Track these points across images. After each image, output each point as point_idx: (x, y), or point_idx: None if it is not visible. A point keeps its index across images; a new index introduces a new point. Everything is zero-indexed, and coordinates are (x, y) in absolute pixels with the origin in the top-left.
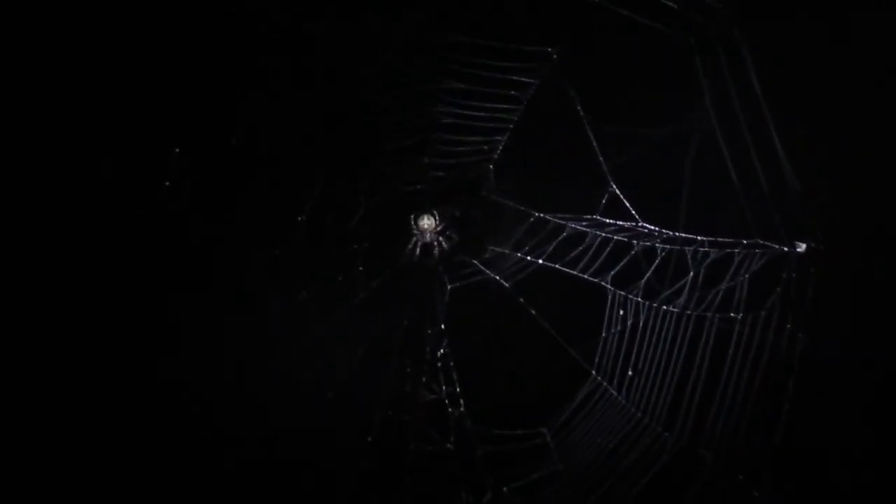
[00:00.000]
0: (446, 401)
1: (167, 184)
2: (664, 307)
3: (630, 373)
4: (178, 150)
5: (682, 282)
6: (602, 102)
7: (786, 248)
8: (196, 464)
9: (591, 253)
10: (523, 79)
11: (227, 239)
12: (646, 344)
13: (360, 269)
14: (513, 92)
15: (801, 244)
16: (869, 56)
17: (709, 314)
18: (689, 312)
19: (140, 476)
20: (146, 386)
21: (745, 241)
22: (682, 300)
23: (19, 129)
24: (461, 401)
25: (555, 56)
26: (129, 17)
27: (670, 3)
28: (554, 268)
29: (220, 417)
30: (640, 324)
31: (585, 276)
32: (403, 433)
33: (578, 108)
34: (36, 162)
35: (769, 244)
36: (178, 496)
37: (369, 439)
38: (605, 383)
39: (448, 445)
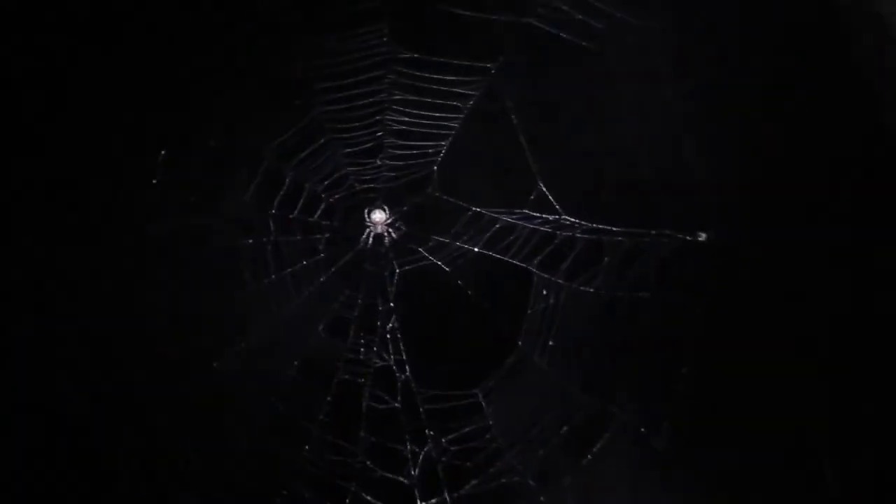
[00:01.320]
0: (394, 366)
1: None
2: (581, 288)
3: (551, 343)
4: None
5: (598, 266)
6: (533, 111)
7: (689, 237)
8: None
9: (519, 242)
10: (465, 90)
11: (215, 228)
12: (565, 319)
13: (322, 255)
14: (455, 102)
15: (702, 234)
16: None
17: (620, 294)
18: (602, 293)
19: None
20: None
21: (653, 231)
22: (597, 282)
23: None
24: (406, 367)
25: (493, 70)
26: None
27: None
28: (488, 254)
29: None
30: (561, 302)
31: (515, 262)
32: (358, 394)
33: (512, 116)
34: None
35: (674, 234)
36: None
37: (329, 398)
38: (529, 353)
39: (395, 404)
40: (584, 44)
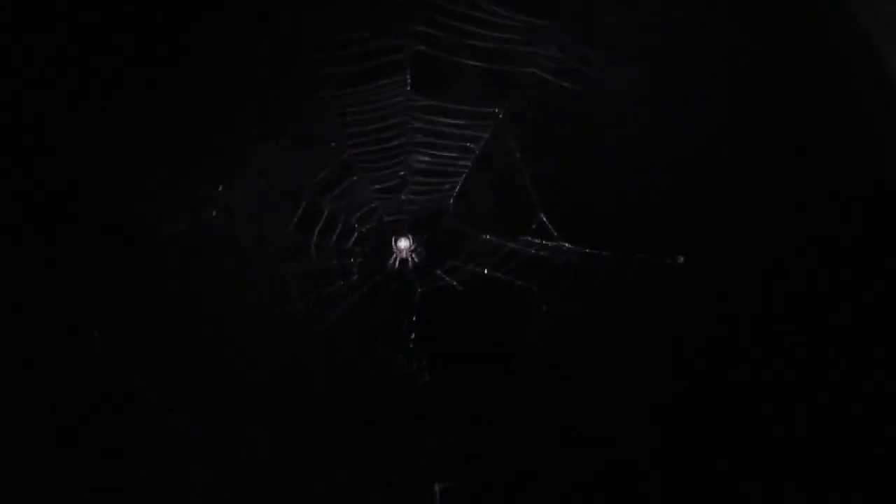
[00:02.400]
0: (416, 370)
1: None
2: (575, 303)
3: (549, 351)
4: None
5: (589, 285)
6: (535, 150)
7: (668, 261)
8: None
9: (522, 264)
10: (475, 133)
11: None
12: (561, 331)
13: (356, 277)
14: (468, 144)
15: (680, 258)
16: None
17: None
18: (593, 308)
19: None
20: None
21: (637, 255)
22: (589, 299)
23: None
24: (426, 371)
25: (499, 115)
26: None
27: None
28: (496, 275)
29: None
30: (557, 316)
31: (518, 282)
32: (386, 393)
33: (517, 154)
34: None
35: (656, 258)
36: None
37: (362, 397)
38: (530, 359)
39: (416, 406)
40: (578, 89)
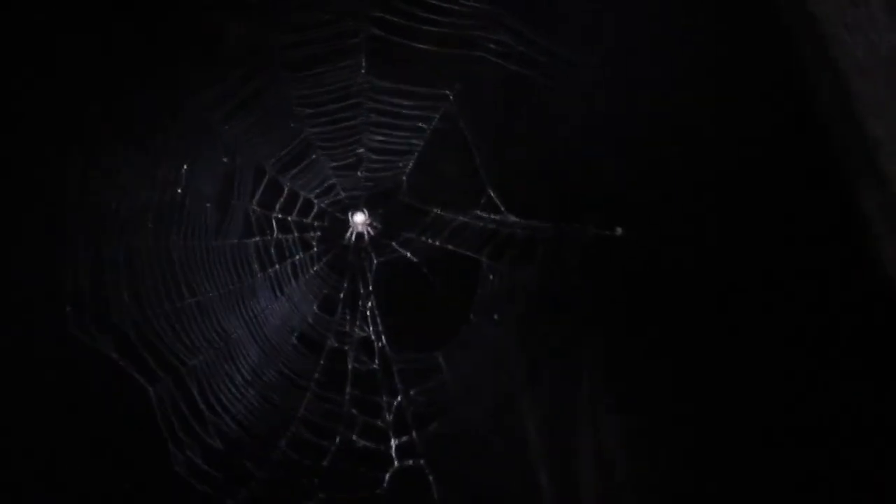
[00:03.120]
0: (373, 337)
1: None
2: (519, 273)
3: (496, 316)
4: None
5: (533, 255)
6: (483, 129)
7: (607, 232)
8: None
9: (471, 237)
10: (427, 114)
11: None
12: (506, 298)
13: (315, 249)
14: (420, 124)
15: (618, 229)
16: None
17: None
18: (536, 276)
19: None
20: None
21: (577, 226)
22: (532, 267)
23: None
24: (382, 336)
25: (450, 96)
26: None
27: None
28: (446, 247)
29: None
30: (504, 284)
31: (468, 253)
32: (344, 358)
33: (466, 134)
34: None
35: (595, 229)
36: None
37: (321, 362)
38: (479, 324)
39: (374, 365)
40: (525, 72)
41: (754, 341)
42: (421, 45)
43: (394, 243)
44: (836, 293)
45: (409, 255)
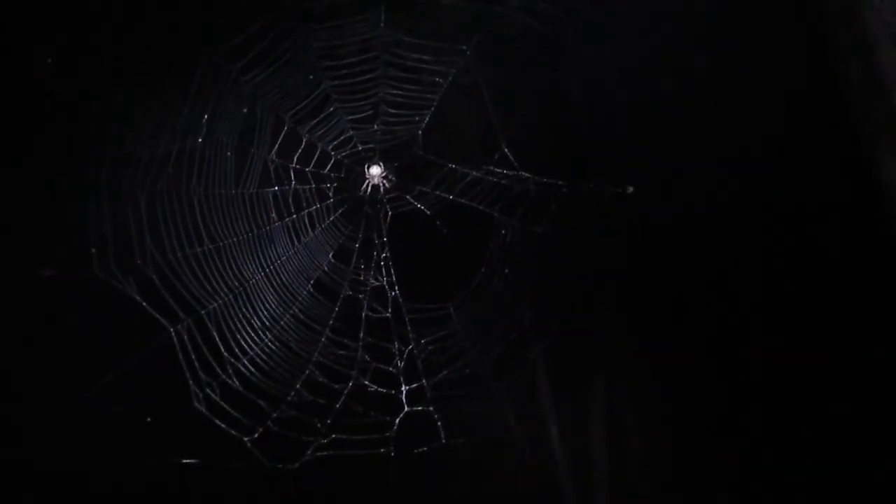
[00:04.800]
0: (386, 286)
1: None
2: (531, 228)
3: (506, 270)
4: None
5: (545, 211)
6: (500, 84)
7: (619, 190)
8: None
9: (485, 192)
10: (444, 68)
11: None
12: (517, 253)
13: (331, 200)
14: (437, 79)
15: (630, 187)
16: None
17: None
18: (547, 232)
19: None
20: None
21: (591, 184)
22: (544, 224)
23: None
24: (396, 286)
25: (467, 51)
26: None
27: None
28: (460, 201)
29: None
30: (515, 239)
31: (480, 208)
32: (359, 306)
33: (482, 88)
34: None
35: (608, 186)
36: None
37: (336, 309)
38: (490, 277)
39: (387, 314)
40: (542, 27)
41: (761, 297)
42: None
43: (408, 196)
44: (854, 267)
45: (422, 207)
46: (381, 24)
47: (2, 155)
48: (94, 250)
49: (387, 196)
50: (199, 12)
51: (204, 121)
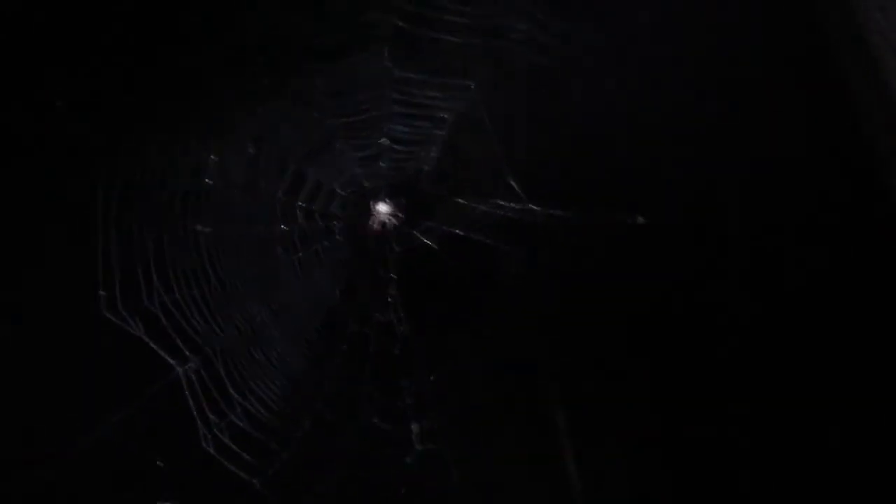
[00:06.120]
0: (394, 321)
1: None
2: (539, 261)
3: (516, 304)
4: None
5: (554, 243)
6: (505, 118)
7: (630, 220)
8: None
9: (492, 225)
10: (450, 104)
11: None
12: (525, 286)
13: (338, 237)
14: (443, 114)
15: (640, 217)
16: None
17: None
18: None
19: None
20: None
21: (599, 214)
22: (552, 256)
23: None
24: (404, 321)
25: (472, 86)
26: None
27: None
28: (467, 236)
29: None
30: (522, 273)
31: (488, 241)
32: (367, 343)
33: (488, 123)
34: None
35: (617, 216)
36: None
37: (344, 346)
38: (496, 310)
39: (395, 350)
40: (548, 61)
41: (784, 327)
42: (444, 36)
43: (415, 231)
44: (867, 288)
45: (430, 242)
46: (387, 62)
47: (8, 192)
48: (101, 292)
49: (394, 232)
50: (206, 51)
51: (211, 159)
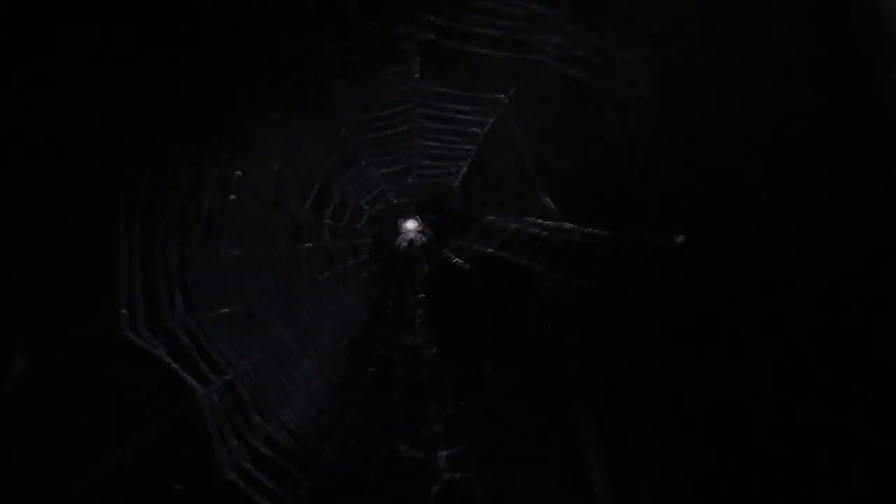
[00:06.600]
0: (422, 345)
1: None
2: (574, 282)
3: (549, 326)
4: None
5: (589, 264)
6: (539, 134)
7: (668, 240)
8: None
9: (525, 244)
10: (481, 118)
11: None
12: (559, 307)
13: (365, 256)
14: (474, 129)
15: (680, 237)
16: None
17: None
18: (591, 286)
19: None
20: None
21: (635, 235)
22: (588, 277)
23: None
24: (433, 345)
25: (505, 100)
26: None
27: None
28: (498, 255)
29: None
30: (558, 294)
31: (522, 261)
32: (394, 367)
33: (521, 138)
34: None
35: (655, 236)
36: None
37: (370, 369)
38: (531, 334)
39: (423, 375)
40: (581, 75)
41: (826, 349)
42: (475, 49)
43: (445, 250)
44: None
45: (460, 262)
46: (416, 76)
47: (28, 203)
48: (123, 311)
49: (423, 251)
50: (233, 66)
51: (236, 177)
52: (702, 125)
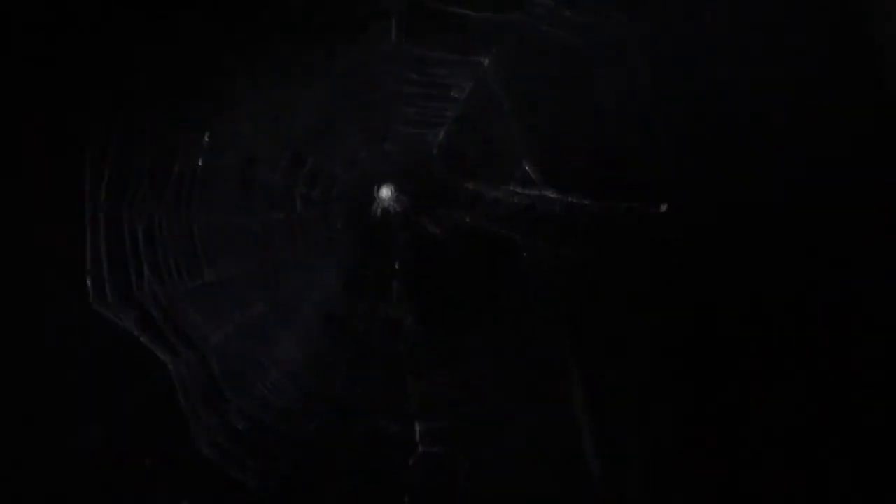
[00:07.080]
0: (400, 317)
1: None
2: (556, 250)
3: (531, 298)
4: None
5: (571, 232)
6: (521, 98)
7: (651, 208)
8: None
9: (505, 212)
10: (461, 82)
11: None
12: (540, 277)
13: (339, 226)
14: (453, 93)
15: (663, 205)
16: None
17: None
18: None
19: None
20: None
21: (620, 201)
22: (569, 245)
23: None
24: (410, 316)
25: (485, 63)
26: None
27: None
28: (478, 224)
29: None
30: (538, 263)
31: (501, 230)
32: (371, 339)
33: (502, 103)
34: None
35: (638, 204)
36: None
37: (347, 342)
38: (510, 302)
39: (400, 347)
40: (568, 39)
41: (818, 325)
42: (457, 10)
43: (422, 218)
44: None
45: (438, 231)
46: (393, 38)
47: None
48: (89, 281)
49: (399, 220)
50: (208, 27)
51: (205, 141)
52: (693, 92)
